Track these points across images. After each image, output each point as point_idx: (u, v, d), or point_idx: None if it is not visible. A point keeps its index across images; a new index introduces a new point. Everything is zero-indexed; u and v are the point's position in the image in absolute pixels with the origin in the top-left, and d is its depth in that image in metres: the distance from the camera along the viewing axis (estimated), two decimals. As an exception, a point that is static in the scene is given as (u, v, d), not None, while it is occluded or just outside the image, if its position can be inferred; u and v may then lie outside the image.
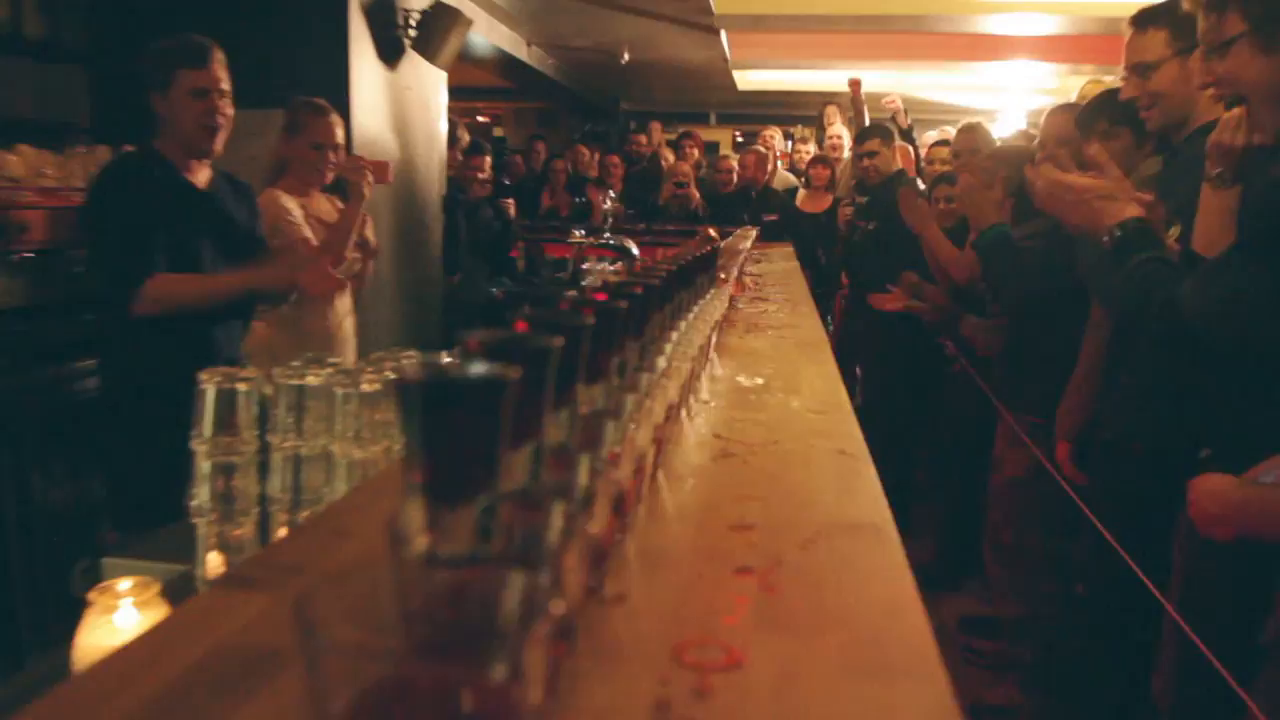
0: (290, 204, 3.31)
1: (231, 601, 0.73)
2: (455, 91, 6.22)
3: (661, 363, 1.07)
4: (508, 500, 0.50)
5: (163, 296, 2.66)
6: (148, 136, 2.86)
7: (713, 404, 1.47)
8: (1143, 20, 2.37)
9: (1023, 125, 7.77)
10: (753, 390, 1.58)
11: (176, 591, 1.39)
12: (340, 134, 3.46)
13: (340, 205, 3.48)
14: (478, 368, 0.48)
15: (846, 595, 0.78)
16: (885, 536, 0.90)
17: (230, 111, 2.84)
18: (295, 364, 1.48)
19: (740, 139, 12.31)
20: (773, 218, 6.41)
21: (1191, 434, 2.04)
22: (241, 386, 1.43)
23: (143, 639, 0.68)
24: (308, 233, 3.29)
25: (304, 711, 0.59)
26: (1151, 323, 1.97)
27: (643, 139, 8.64)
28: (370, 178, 3.44)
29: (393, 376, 1.47)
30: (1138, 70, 2.35)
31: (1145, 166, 2.71)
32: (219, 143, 2.83)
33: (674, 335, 1.24)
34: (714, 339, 1.73)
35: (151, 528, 1.80)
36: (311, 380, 1.45)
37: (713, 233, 4.32)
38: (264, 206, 3.25)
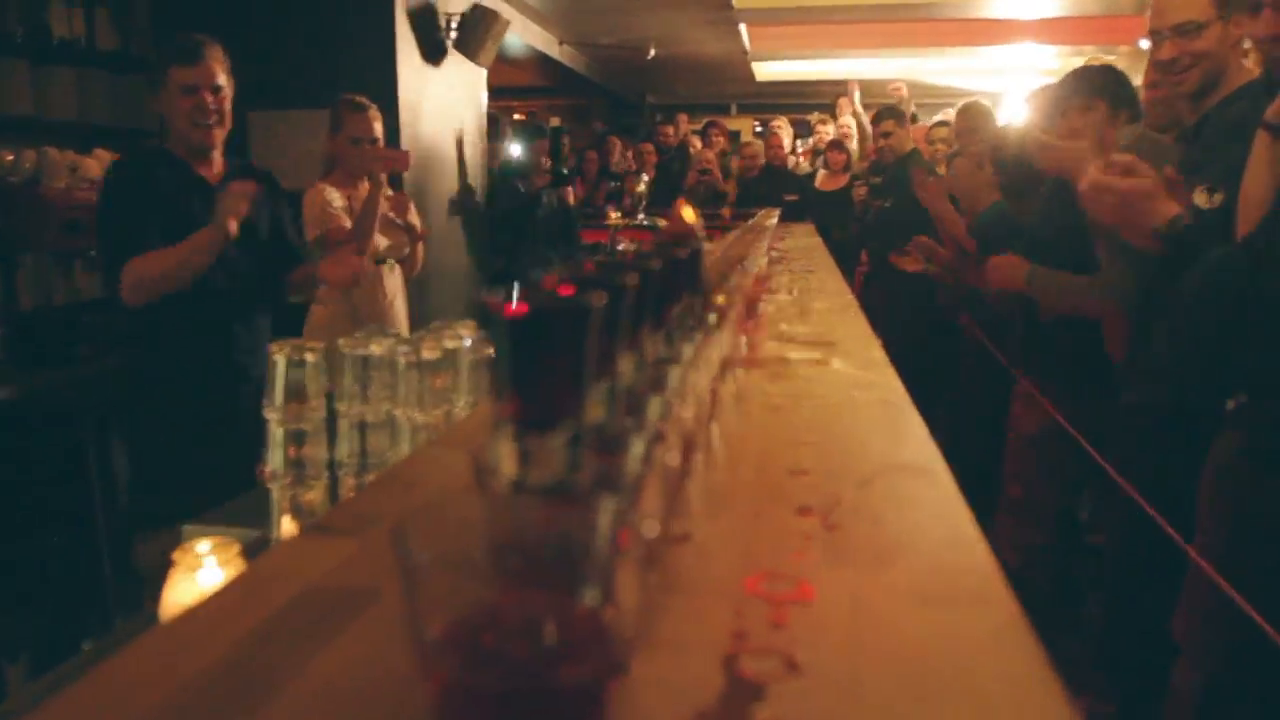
0: (334, 195, 3.27)
1: (316, 548, 0.70)
2: (492, 91, 6.18)
3: (712, 318, 1.04)
4: (593, 432, 0.47)
5: (139, 279, 2.50)
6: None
7: (755, 362, 1.44)
8: None
9: (1025, 106, 7.64)
10: (792, 348, 1.54)
11: (254, 553, 1.38)
12: (378, 129, 3.39)
13: (390, 194, 3.45)
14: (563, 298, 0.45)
15: (908, 531, 0.75)
16: (938, 476, 0.86)
17: (227, 108, 2.66)
18: (359, 335, 1.47)
19: (759, 129, 12.20)
20: (793, 198, 6.35)
21: (1225, 389, 1.98)
22: (310, 357, 1.42)
23: (237, 581, 0.66)
24: (347, 222, 3.25)
25: (395, 643, 0.56)
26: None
27: (670, 130, 8.57)
28: (383, 167, 3.36)
29: (451, 346, 1.45)
30: (1181, 30, 2.25)
31: (1121, 135, 2.64)
32: (214, 138, 2.66)
33: (721, 295, 1.21)
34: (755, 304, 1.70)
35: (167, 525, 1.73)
36: (375, 350, 1.43)
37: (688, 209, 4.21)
38: (310, 199, 3.25)
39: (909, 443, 0.98)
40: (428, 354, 1.39)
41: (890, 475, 0.86)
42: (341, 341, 1.44)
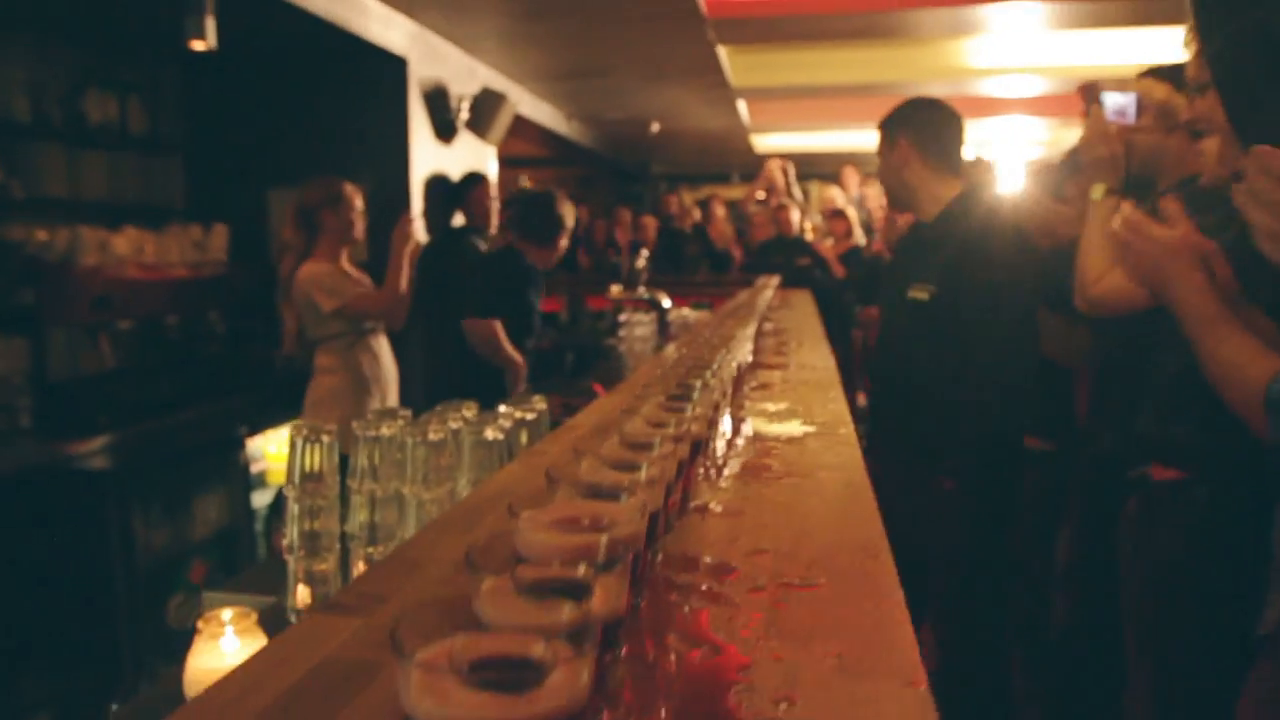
0: (349, 268, 3.54)
1: (329, 625, 0.80)
2: (504, 161, 6.35)
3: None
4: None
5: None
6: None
7: (734, 451, 1.53)
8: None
9: (1021, 174, 7.77)
10: (773, 424, 1.64)
11: (270, 620, 1.47)
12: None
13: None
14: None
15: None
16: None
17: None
18: (370, 416, 1.56)
19: (761, 197, 12.39)
20: (805, 262, 6.47)
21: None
22: (325, 439, 1.51)
23: (261, 654, 0.75)
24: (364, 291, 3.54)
25: (395, 710, 0.66)
26: None
27: (673, 199, 8.76)
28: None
29: (455, 427, 1.55)
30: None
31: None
32: None
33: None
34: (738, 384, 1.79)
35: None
36: (385, 432, 1.53)
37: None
38: (322, 274, 3.44)
39: (858, 522, 1.07)
40: (433, 435, 1.49)
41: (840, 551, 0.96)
42: (355, 424, 1.54)
